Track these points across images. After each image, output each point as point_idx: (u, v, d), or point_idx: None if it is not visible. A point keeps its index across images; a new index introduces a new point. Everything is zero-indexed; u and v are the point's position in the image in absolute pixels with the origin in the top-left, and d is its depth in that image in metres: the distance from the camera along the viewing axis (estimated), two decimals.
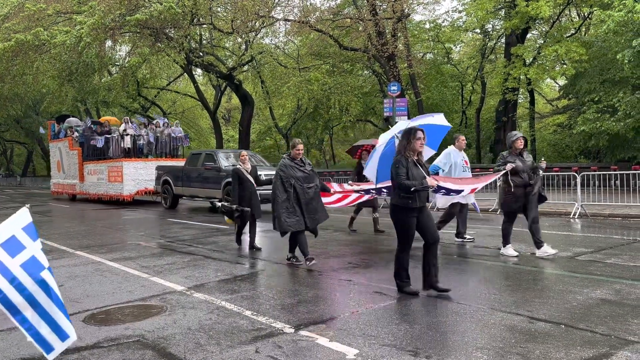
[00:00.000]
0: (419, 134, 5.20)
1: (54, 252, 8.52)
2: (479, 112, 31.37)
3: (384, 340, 3.93)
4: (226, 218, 8.49)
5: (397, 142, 5.51)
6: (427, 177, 5.13)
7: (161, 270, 6.82)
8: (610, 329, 4.08)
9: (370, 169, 6.62)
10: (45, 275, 2.89)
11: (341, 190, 8.63)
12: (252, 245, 8.38)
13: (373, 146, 9.77)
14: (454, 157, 8.67)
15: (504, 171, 7.24)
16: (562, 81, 30.19)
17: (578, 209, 12.44)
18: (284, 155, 7.20)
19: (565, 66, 22.76)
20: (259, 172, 13.84)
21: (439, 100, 33.36)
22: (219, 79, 30.25)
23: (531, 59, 23.50)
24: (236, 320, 4.53)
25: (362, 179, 9.38)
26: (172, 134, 20.91)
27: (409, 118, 23.54)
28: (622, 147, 21.41)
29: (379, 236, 9.95)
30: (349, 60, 28.57)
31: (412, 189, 5.00)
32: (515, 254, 7.34)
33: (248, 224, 8.53)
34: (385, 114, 21.80)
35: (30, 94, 35.27)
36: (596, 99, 19.27)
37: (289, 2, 27.91)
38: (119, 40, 25.11)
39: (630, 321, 4.26)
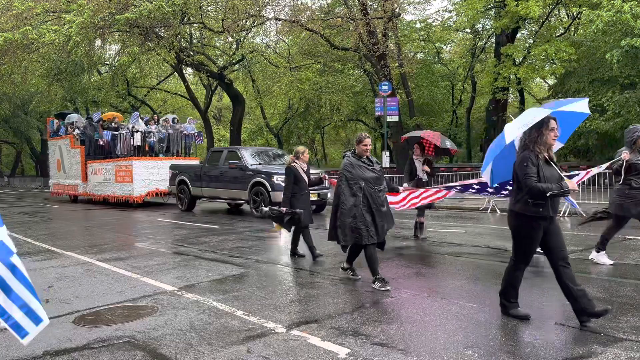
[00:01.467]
0: (552, 123, 4.21)
1: (43, 253, 8.45)
2: (469, 111, 31.51)
3: (376, 339, 3.94)
4: (275, 224, 7.35)
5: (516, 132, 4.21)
6: (564, 178, 4.19)
7: (152, 270, 6.79)
8: (600, 326, 4.11)
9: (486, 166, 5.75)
10: (15, 260, 2.87)
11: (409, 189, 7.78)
12: (314, 255, 7.30)
13: (427, 141, 8.85)
14: None
15: (622, 161, 6.38)
16: (551, 80, 30.38)
17: (568, 207, 12.53)
18: (348, 153, 6.01)
19: (554, 66, 22.88)
20: (279, 170, 12.98)
21: (429, 99, 33.51)
22: (210, 78, 30.14)
23: (521, 59, 23.62)
24: (227, 320, 4.51)
25: (413, 179, 8.80)
26: (185, 131, 19.74)
27: (399, 118, 23.76)
28: (611, 146, 21.58)
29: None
30: (340, 59, 28.58)
31: (548, 193, 4.07)
32: (610, 262, 6.57)
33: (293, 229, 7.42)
34: (376, 113, 21.88)
35: (19, 93, 34.97)
36: (585, 98, 19.40)
37: (280, 1, 27.83)
38: (109, 39, 24.93)
39: (619, 319, 4.30)
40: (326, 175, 7.55)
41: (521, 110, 27.83)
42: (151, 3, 20.21)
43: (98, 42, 24.64)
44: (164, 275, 6.44)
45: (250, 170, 13.88)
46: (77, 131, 21.75)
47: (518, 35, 26.27)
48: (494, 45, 27.00)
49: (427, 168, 8.97)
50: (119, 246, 9.10)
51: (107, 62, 32.63)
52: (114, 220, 14.00)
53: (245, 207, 15.61)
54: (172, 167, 17.29)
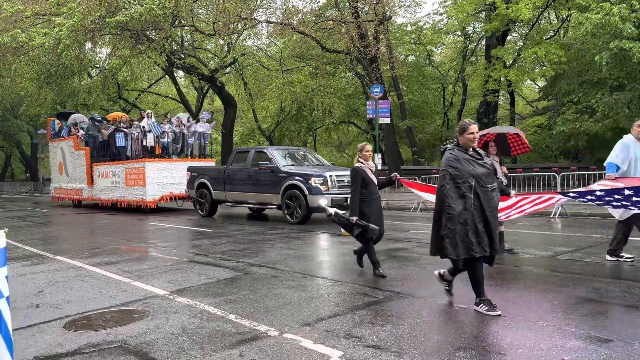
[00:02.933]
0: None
1: (34, 258, 8.38)
2: (460, 113, 31.69)
3: (368, 341, 3.94)
4: (343, 230, 6.53)
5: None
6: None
7: (143, 274, 6.75)
8: (590, 327, 4.13)
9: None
10: (1, 304, 2.73)
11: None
12: (379, 273, 6.24)
13: (515, 139, 7.78)
14: (634, 150, 6.66)
15: None
16: (541, 83, 30.62)
17: (558, 208, 12.61)
18: (449, 145, 4.92)
19: (544, 68, 23.10)
20: (329, 174, 12.48)
21: (421, 102, 33.69)
22: (201, 81, 30.09)
23: (511, 61, 23.80)
24: (220, 324, 4.50)
25: None
26: (198, 130, 18.59)
27: (391, 121, 23.82)
28: (601, 148, 21.78)
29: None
30: (332, 62, 28.67)
31: None
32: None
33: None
34: (368, 116, 21.91)
35: (8, 96, 34.67)
36: (575, 100, 19.58)
37: (271, 4, 27.92)
38: (99, 42, 24.83)
39: (610, 319, 4.33)
40: (397, 174, 6.63)
41: (512, 111, 28.04)
42: (142, 6, 20.15)
43: (88, 45, 24.53)
44: (155, 279, 6.40)
45: (283, 172, 12.80)
46: (81, 132, 20.78)
47: (508, 37, 26.49)
48: (484, 47, 27.20)
49: (505, 170, 7.89)
50: (109, 250, 9.04)
51: (98, 65, 32.49)
52: (105, 224, 13.92)
53: (270, 212, 15.11)
54: (191, 169, 16.07)
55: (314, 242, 9.42)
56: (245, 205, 14.20)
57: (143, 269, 7.10)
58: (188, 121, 18.80)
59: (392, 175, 6.72)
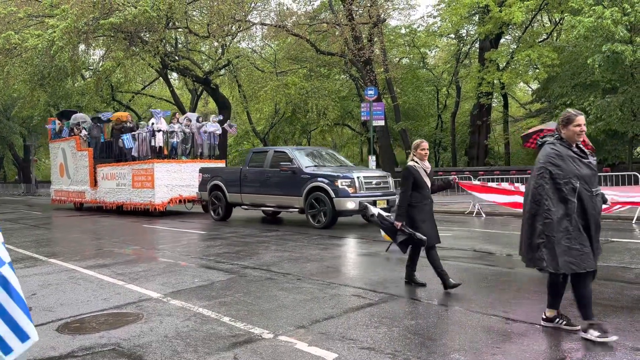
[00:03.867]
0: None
1: (26, 260, 8.32)
2: (454, 116, 31.79)
3: (363, 343, 3.94)
4: (383, 233, 5.84)
5: None
6: None
7: (137, 277, 6.72)
8: (584, 328, 4.14)
9: None
10: (5, 271, 2.74)
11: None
12: (448, 284, 5.54)
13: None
14: None
15: None
16: (534, 85, 30.75)
17: None
18: (549, 139, 4.17)
19: (537, 70, 23.22)
20: (357, 175, 11.71)
21: (415, 104, 33.75)
22: (195, 83, 30.03)
23: (504, 64, 23.91)
24: (214, 326, 4.48)
25: None
26: (209, 129, 17.82)
27: (385, 123, 23.88)
28: (593, 150, 21.85)
29: (364, 241, 9.92)
30: (326, 64, 28.69)
31: None
32: None
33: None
34: (362, 118, 21.95)
35: (1, 98, 34.50)
36: (568, 102, 19.67)
37: (266, 7, 27.91)
38: (93, 44, 24.72)
39: (603, 320, 4.34)
40: (456, 177, 5.67)
41: (505, 114, 28.14)
42: (136, 8, 20.10)
43: (82, 46, 24.43)
44: (149, 282, 6.38)
45: (306, 173, 12.08)
46: (84, 132, 20.04)
47: (501, 40, 26.63)
48: (478, 50, 27.30)
49: None
50: (103, 253, 9.00)
51: (91, 67, 32.36)
52: (98, 227, 13.85)
53: (287, 215, 14.76)
54: (203, 170, 15.34)
55: (309, 244, 9.41)
56: (263, 208, 13.45)
57: (136, 272, 7.07)
58: (198, 121, 18.14)
59: (449, 177, 6.10)
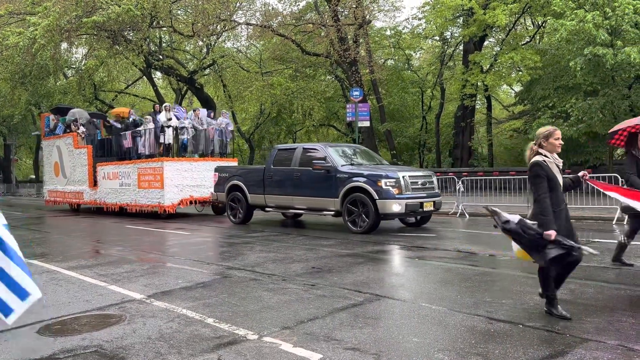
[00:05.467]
0: None
1: None
2: (438, 117, 32.00)
3: (348, 344, 3.94)
4: (516, 248, 4.54)
5: None
6: None
7: (119, 278, 6.65)
8: (565, 327, 4.20)
9: None
10: (1, 231, 2.67)
11: None
12: (554, 307, 4.50)
13: None
14: None
15: None
16: (517, 87, 31.09)
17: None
18: None
19: (520, 73, 23.48)
20: (402, 174, 10.65)
21: (400, 105, 33.92)
22: (180, 83, 29.86)
23: (488, 66, 24.15)
24: (198, 328, 4.45)
25: None
26: (222, 125, 16.88)
27: (371, 124, 23.97)
28: (575, 151, 22.20)
29: (347, 239, 9.92)
30: (312, 65, 28.71)
31: None
32: None
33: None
34: (347, 119, 22.00)
35: None
36: (550, 104, 19.94)
37: (251, 6, 27.86)
38: (75, 43, 24.46)
39: (584, 319, 4.40)
40: (586, 173, 4.86)
41: (488, 116, 28.41)
42: (119, 6, 19.92)
43: (64, 45, 24.16)
44: (132, 283, 6.32)
45: (343, 172, 10.98)
46: (81, 129, 18.90)
47: (485, 43, 26.89)
48: (462, 52, 27.53)
49: None
50: (85, 254, 8.89)
51: (74, 66, 32.00)
52: (81, 227, 13.68)
53: (309, 218, 14.09)
54: (219, 169, 14.33)
55: (294, 244, 9.40)
56: (291, 211, 12.52)
57: (119, 273, 7.00)
58: (209, 116, 17.15)
59: (580, 174, 4.91)
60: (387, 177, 10.41)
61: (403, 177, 10.54)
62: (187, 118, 16.43)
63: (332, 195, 11.10)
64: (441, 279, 6.22)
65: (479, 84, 23.66)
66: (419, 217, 11.63)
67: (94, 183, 18.18)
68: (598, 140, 21.32)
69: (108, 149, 18.57)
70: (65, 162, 19.73)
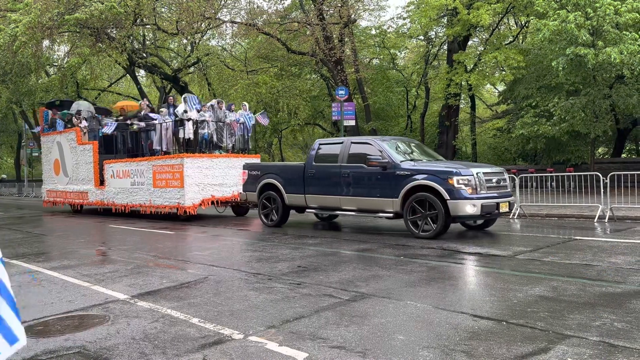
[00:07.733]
0: None
1: None
2: (423, 116, 32.18)
3: (333, 342, 3.95)
4: None
5: None
6: None
7: (103, 278, 6.58)
8: (548, 324, 4.26)
9: None
10: None
11: None
12: None
13: None
14: None
15: None
16: (501, 87, 31.39)
17: (517, 209, 12.94)
18: None
19: (504, 72, 23.73)
20: (475, 171, 9.28)
21: (385, 104, 34.04)
22: (164, 81, 29.63)
23: (472, 66, 24.34)
24: (183, 328, 4.43)
25: None
26: (242, 119, 15.69)
27: (356, 123, 24.02)
28: (558, 150, 22.50)
29: (334, 240, 9.92)
30: (297, 64, 28.68)
31: None
32: None
33: None
34: (333, 118, 22.01)
35: None
36: (533, 104, 20.16)
37: (236, 4, 27.72)
38: (57, 40, 24.14)
39: (566, 316, 4.47)
40: None
41: (472, 115, 28.63)
42: (102, 3, 19.69)
43: (46, 42, 23.83)
44: (115, 283, 6.26)
45: (404, 169, 9.66)
46: (84, 123, 17.59)
47: (469, 42, 27.09)
48: (446, 52, 27.70)
49: None
50: (67, 253, 8.78)
51: (56, 64, 31.54)
52: (63, 226, 13.51)
53: (359, 219, 12.97)
54: (249, 166, 13.04)
55: (280, 243, 9.38)
56: (339, 212, 11.20)
57: (103, 273, 6.93)
58: (230, 109, 16.03)
59: None
60: (459, 174, 9.11)
61: (477, 174, 9.27)
62: (208, 110, 15.15)
63: (390, 195, 9.80)
64: (426, 277, 6.25)
65: (463, 83, 23.83)
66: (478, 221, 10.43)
67: (101, 182, 16.86)
68: (580, 139, 21.63)
69: (108, 146, 17.40)
70: (67, 159, 18.34)
